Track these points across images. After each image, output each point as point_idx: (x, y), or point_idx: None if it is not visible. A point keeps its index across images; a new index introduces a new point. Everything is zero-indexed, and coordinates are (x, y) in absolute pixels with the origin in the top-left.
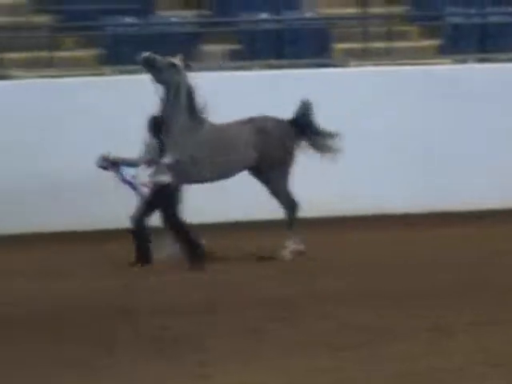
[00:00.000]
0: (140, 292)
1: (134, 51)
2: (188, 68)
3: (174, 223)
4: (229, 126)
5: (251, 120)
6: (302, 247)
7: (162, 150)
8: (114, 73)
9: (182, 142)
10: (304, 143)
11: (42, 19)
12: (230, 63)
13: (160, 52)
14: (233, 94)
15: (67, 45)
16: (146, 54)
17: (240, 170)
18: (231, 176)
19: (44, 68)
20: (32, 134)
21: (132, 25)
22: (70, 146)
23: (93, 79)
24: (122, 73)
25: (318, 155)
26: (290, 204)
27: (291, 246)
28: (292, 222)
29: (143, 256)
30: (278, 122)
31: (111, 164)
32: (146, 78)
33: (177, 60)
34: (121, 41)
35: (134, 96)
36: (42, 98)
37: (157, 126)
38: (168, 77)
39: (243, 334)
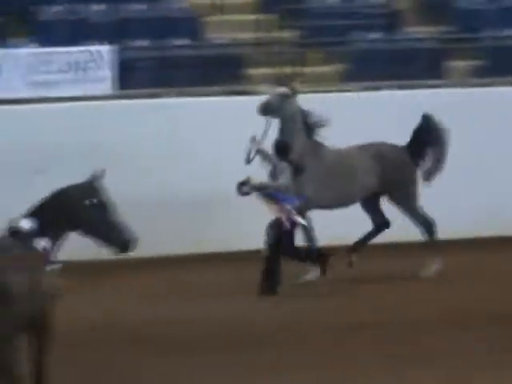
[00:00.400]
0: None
1: (380, 67)
2: (295, 93)
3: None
4: (347, 151)
5: (369, 146)
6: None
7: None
8: (358, 89)
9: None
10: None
11: (287, 35)
12: (474, 79)
13: (405, 68)
14: (476, 109)
15: (312, 60)
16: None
17: (361, 197)
18: (352, 203)
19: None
20: None
21: (377, 40)
22: None
23: (334, 95)
24: (366, 89)
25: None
26: (426, 224)
27: (433, 265)
28: (431, 241)
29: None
30: (393, 146)
31: (255, 190)
32: (388, 95)
33: (284, 89)
34: (366, 57)
35: (374, 111)
36: None
37: (284, 149)
38: (282, 108)
39: None
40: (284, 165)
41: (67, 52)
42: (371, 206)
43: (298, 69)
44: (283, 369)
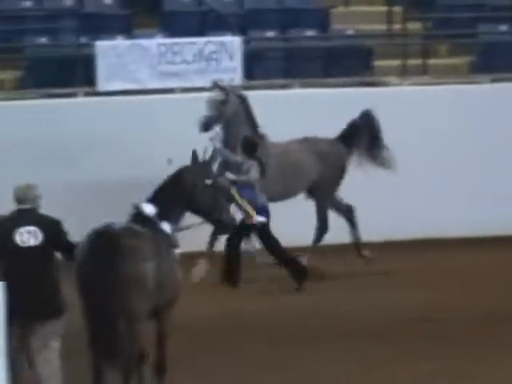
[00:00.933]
0: None
1: (507, 59)
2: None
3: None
4: (289, 145)
5: (309, 140)
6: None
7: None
8: (485, 81)
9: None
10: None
11: (416, 26)
12: None
13: None
14: None
15: (440, 52)
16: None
17: (303, 191)
18: (294, 196)
19: (417, 75)
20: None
21: (505, 33)
22: None
23: (463, 87)
24: (493, 81)
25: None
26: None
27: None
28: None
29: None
30: (332, 143)
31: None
32: None
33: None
34: (494, 49)
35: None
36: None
37: (251, 146)
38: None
39: None
40: (251, 162)
41: (195, 43)
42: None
43: (424, 61)
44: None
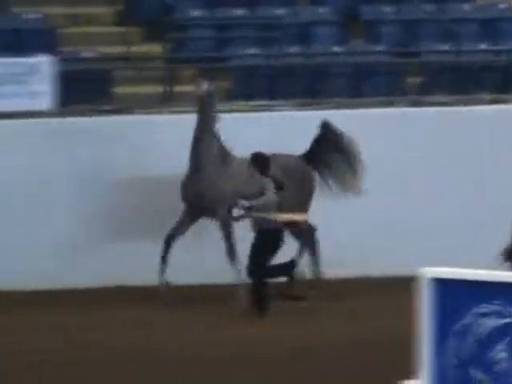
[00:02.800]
0: None
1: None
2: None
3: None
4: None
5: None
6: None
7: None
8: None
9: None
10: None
11: (156, 49)
12: None
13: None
14: None
15: (185, 78)
16: None
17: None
18: None
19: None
20: None
21: (258, 56)
22: None
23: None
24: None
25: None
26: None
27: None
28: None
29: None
30: (294, 157)
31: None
32: None
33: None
34: (248, 73)
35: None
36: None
37: (263, 163)
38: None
39: None
40: (266, 180)
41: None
42: None
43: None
44: None
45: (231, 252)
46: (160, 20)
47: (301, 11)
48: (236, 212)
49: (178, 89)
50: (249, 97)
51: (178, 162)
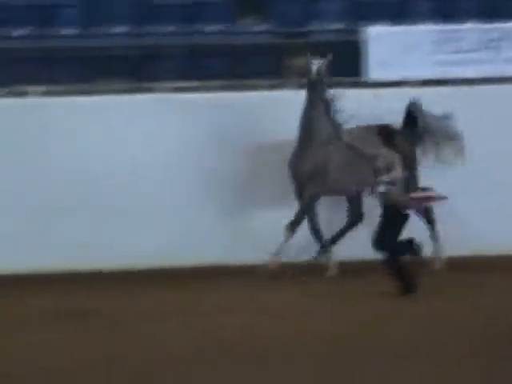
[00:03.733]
0: None
1: None
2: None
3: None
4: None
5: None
6: None
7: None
8: None
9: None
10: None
11: None
12: None
13: None
14: None
15: None
16: None
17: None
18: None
19: None
20: None
21: None
22: None
23: None
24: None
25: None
26: None
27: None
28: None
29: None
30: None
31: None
32: None
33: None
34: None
35: None
36: None
37: (389, 136)
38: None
39: None
40: (393, 154)
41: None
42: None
43: None
44: None
45: (317, 231)
46: None
47: None
48: (374, 189)
49: None
50: None
51: None
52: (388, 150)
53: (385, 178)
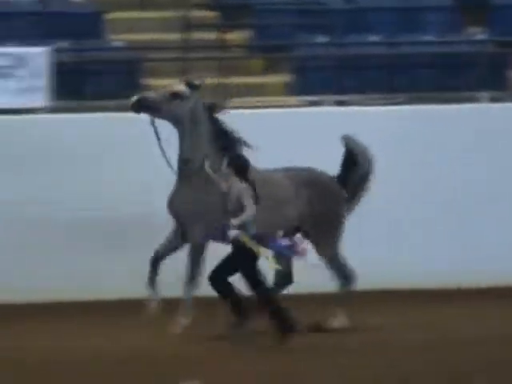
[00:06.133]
0: None
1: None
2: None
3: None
4: (271, 174)
5: (294, 171)
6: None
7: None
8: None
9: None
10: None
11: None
12: None
13: None
14: None
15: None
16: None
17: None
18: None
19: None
20: None
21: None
22: None
23: None
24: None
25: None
26: (343, 274)
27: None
28: (344, 295)
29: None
30: (325, 175)
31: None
32: None
33: (181, 86)
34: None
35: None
36: None
37: (242, 167)
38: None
39: None
40: (243, 186)
41: None
42: None
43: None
44: None
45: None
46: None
47: None
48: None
49: None
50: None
51: None
52: (240, 183)
53: (234, 221)
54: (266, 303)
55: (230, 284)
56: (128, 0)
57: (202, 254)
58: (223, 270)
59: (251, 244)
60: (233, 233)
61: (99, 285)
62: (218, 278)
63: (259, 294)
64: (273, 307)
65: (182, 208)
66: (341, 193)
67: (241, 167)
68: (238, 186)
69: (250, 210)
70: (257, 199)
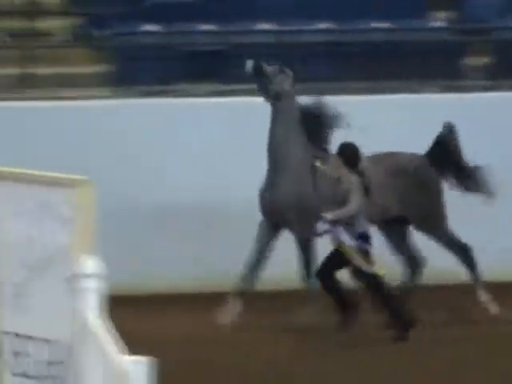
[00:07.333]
0: None
1: None
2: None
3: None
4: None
5: (382, 157)
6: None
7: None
8: None
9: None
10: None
11: None
12: None
13: None
14: None
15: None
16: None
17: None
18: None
19: None
20: None
21: None
22: None
23: None
24: None
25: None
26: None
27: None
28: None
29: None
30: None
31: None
32: None
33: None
34: None
35: None
36: None
37: (352, 157)
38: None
39: None
40: (353, 178)
41: None
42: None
43: None
44: None
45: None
46: None
47: None
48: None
49: None
50: None
51: None
52: (348, 173)
53: (328, 215)
54: (382, 298)
55: (336, 280)
56: None
57: (311, 248)
58: (330, 265)
59: (358, 260)
60: (323, 227)
61: None
62: (325, 273)
63: (372, 288)
64: (390, 301)
65: (283, 202)
66: (435, 175)
67: (351, 157)
68: (348, 178)
69: (354, 204)
70: (367, 192)
